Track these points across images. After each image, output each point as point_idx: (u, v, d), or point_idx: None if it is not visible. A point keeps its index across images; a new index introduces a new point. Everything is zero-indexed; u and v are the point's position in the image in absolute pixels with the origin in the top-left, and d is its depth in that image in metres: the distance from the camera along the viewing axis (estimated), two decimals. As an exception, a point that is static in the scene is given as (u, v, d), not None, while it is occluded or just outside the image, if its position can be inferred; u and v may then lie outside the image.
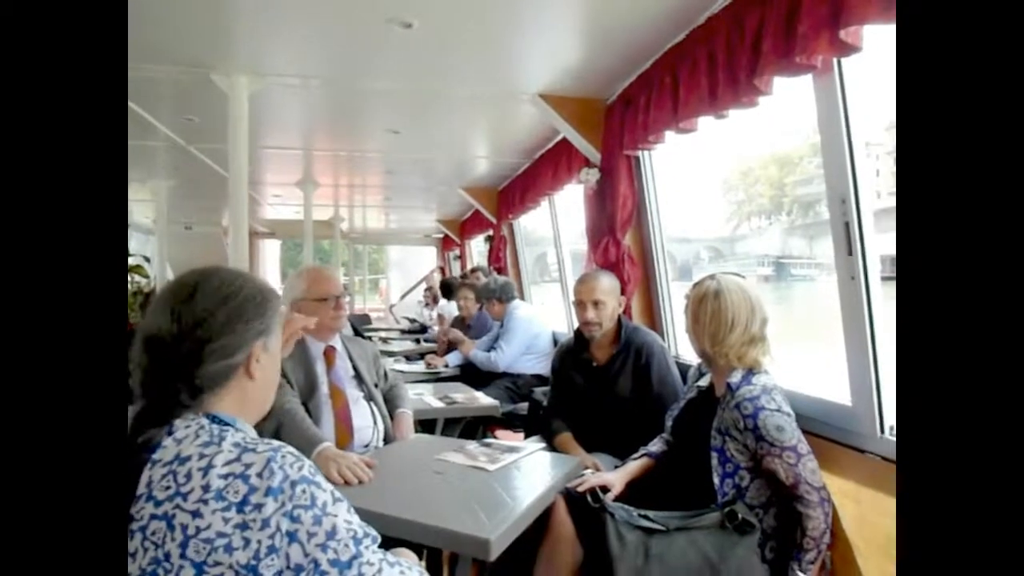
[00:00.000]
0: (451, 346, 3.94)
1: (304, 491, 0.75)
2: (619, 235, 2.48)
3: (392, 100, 2.84)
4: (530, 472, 1.70)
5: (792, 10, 1.37)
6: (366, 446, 1.92)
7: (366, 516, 1.36)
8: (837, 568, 1.51)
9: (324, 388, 1.93)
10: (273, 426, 1.68)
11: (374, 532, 0.85)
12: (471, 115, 3.10)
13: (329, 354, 2.00)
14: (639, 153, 2.43)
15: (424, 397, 2.69)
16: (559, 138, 3.03)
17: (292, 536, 0.73)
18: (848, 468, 1.52)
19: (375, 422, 1.97)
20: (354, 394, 1.98)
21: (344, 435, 1.89)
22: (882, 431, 1.48)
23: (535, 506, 1.48)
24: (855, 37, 1.26)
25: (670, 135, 2.10)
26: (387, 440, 1.98)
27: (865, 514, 1.47)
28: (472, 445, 1.89)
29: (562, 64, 2.26)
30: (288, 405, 1.75)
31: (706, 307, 1.59)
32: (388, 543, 1.42)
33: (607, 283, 2.20)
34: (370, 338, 5.53)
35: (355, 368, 2.04)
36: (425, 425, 2.75)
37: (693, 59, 1.80)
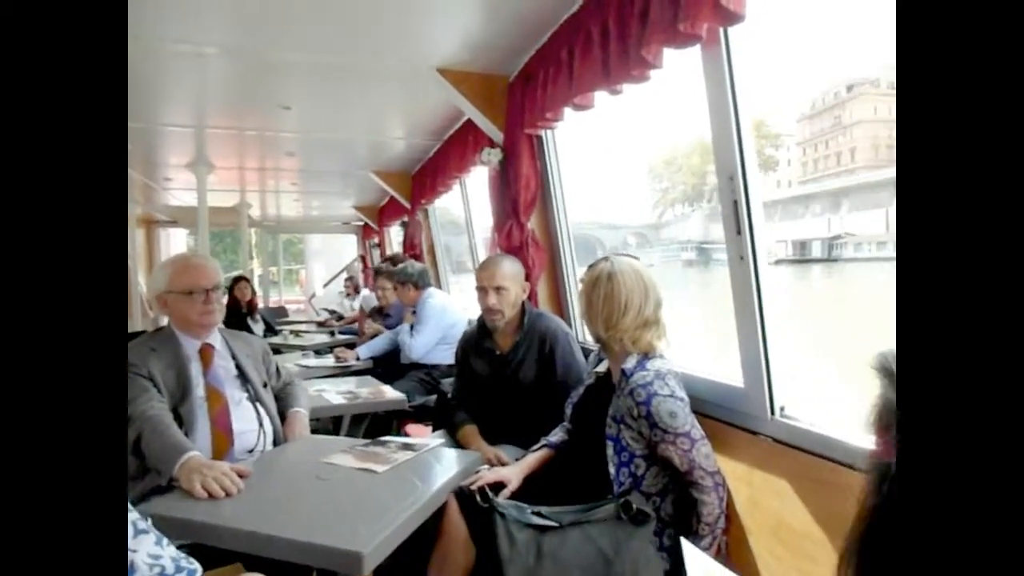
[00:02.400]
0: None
1: None
2: (523, 218, 2.40)
3: (293, 73, 2.64)
4: (424, 472, 1.59)
5: (677, -24, 1.31)
6: (250, 451, 1.76)
7: (223, 534, 1.25)
8: (731, 551, 1.50)
9: (199, 391, 1.74)
10: (133, 436, 1.50)
11: (192, 565, 0.73)
12: (375, 92, 2.93)
13: (206, 353, 1.81)
14: (541, 132, 2.35)
15: (324, 394, 2.54)
16: (465, 118, 2.91)
17: None
18: (742, 450, 1.51)
19: (261, 425, 1.81)
20: (236, 395, 1.81)
21: (222, 441, 1.72)
22: (772, 413, 1.47)
23: (424, 508, 1.38)
24: (737, 4, 1.22)
25: (571, 114, 2.03)
26: (277, 444, 1.82)
27: (757, 496, 1.46)
28: (365, 445, 1.77)
29: (460, 37, 2.14)
30: (150, 412, 1.56)
31: (599, 290, 1.54)
32: (250, 565, 1.30)
33: (509, 268, 2.12)
34: (281, 331, 5.28)
35: (239, 367, 1.86)
36: (334, 423, 2.61)
37: (587, 31, 1.72)
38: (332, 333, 5.20)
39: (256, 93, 3.01)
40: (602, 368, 1.68)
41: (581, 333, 2.44)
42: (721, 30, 1.39)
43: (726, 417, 1.58)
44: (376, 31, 2.12)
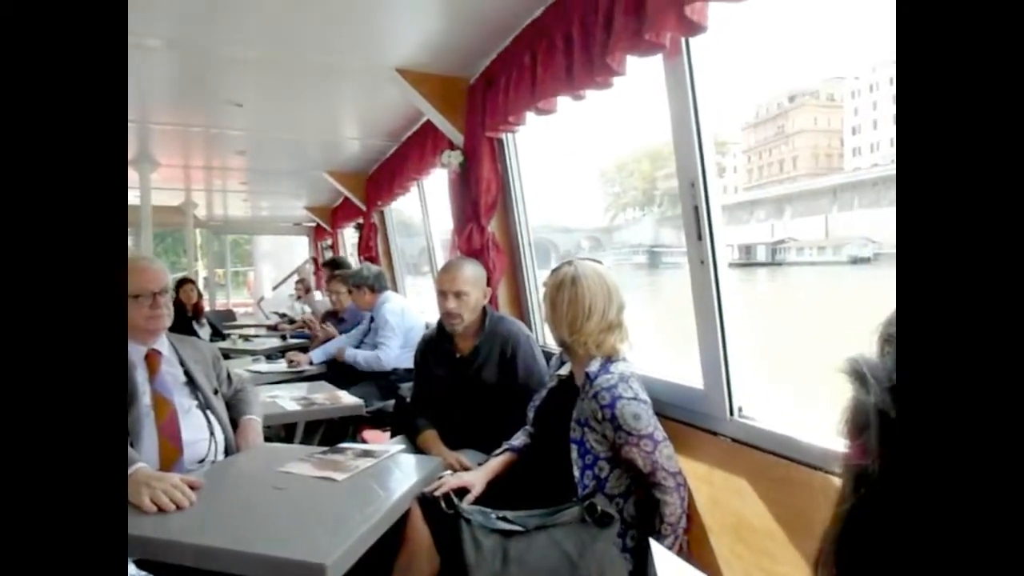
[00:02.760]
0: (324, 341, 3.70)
1: None
2: (483, 221, 2.39)
3: (246, 69, 2.55)
4: (385, 478, 1.56)
5: (642, -14, 1.33)
6: (201, 462, 1.68)
7: (175, 549, 1.19)
8: (693, 550, 1.53)
9: (146, 399, 1.66)
10: None
11: None
12: (332, 91, 2.86)
13: (152, 359, 1.72)
14: (502, 136, 2.35)
15: (279, 400, 2.46)
16: (424, 119, 2.87)
17: None
18: (702, 451, 1.54)
19: (212, 433, 1.73)
20: (185, 403, 1.73)
21: (171, 451, 1.64)
22: (731, 413, 1.51)
23: (387, 517, 1.35)
24: (700, 15, 1.25)
25: (533, 118, 2.04)
26: (229, 453, 1.75)
27: (717, 495, 1.49)
28: (323, 452, 1.72)
29: (420, 37, 2.12)
30: None
31: (563, 294, 1.54)
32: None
33: (471, 272, 2.10)
34: (229, 336, 5.09)
35: (187, 373, 1.78)
36: (288, 430, 2.53)
37: (550, 36, 1.73)
38: (284, 337, 5.05)
39: (205, 89, 2.89)
40: (564, 371, 1.69)
41: (542, 336, 2.44)
42: (683, 40, 1.42)
43: (687, 418, 1.61)
44: (334, 28, 2.07)
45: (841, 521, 0.44)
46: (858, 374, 0.41)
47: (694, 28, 1.26)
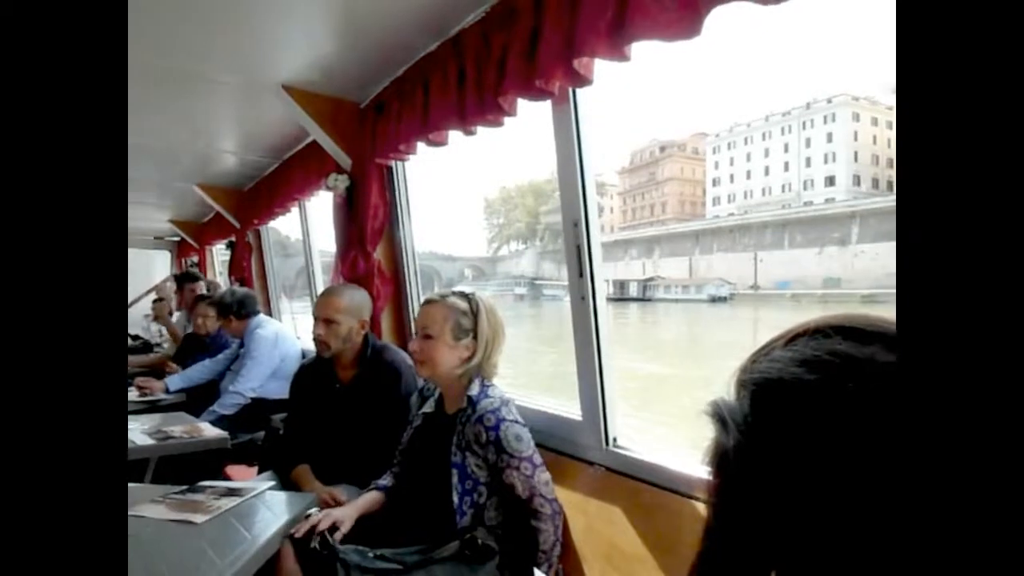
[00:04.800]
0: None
1: None
2: (369, 247, 2.34)
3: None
4: (252, 519, 1.45)
5: (534, 36, 1.40)
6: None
7: None
8: (567, 579, 1.56)
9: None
10: None
11: None
12: (208, 100, 2.67)
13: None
14: (391, 163, 2.33)
15: (131, 433, 2.21)
16: (310, 139, 2.78)
17: None
18: (578, 480, 1.59)
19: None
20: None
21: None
22: (607, 443, 1.58)
23: (254, 561, 1.26)
24: (587, 69, 1.33)
25: (423, 147, 2.05)
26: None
27: (592, 523, 1.54)
28: (180, 492, 1.57)
29: (310, 56, 2.06)
30: None
31: (496, 319, 1.60)
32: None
33: (346, 300, 2.04)
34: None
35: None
36: (136, 468, 2.25)
37: (444, 71, 1.76)
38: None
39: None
40: (429, 407, 1.68)
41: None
42: (571, 89, 1.51)
43: (565, 448, 1.66)
44: (212, 38, 1.95)
45: (704, 546, 0.48)
46: (719, 416, 0.46)
47: (581, 80, 1.34)
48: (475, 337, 1.57)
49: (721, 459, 0.46)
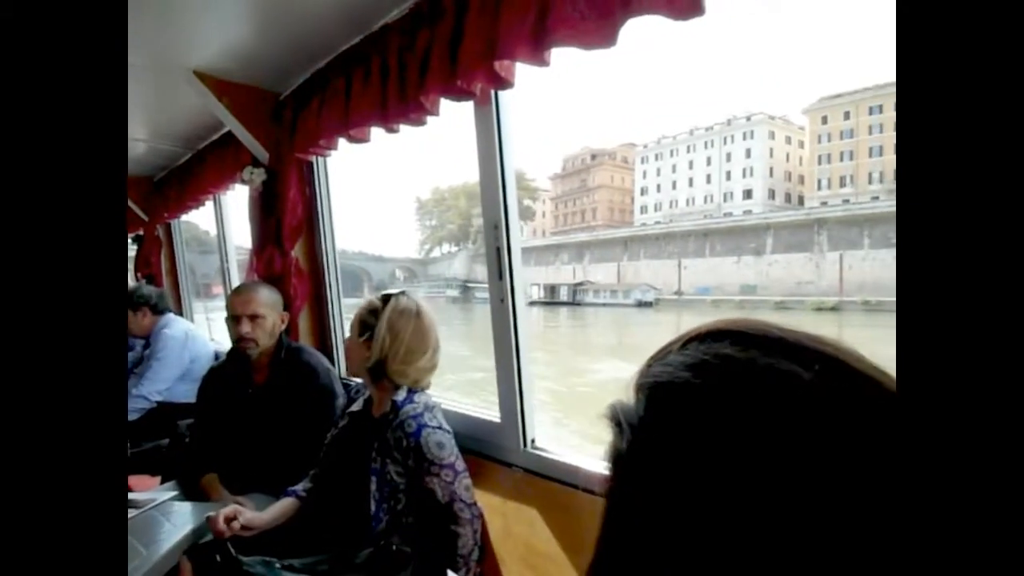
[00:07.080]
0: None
1: None
2: (287, 245, 2.25)
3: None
4: (149, 532, 1.37)
5: (456, 36, 1.39)
6: None
7: None
8: (484, 582, 1.55)
9: None
10: None
11: None
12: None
13: None
14: (312, 158, 2.25)
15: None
16: (226, 129, 2.64)
17: None
18: (496, 482, 1.59)
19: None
20: None
21: None
22: (525, 444, 1.58)
23: (147, 577, 1.18)
24: (508, 72, 1.34)
25: (345, 144, 1.99)
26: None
27: (509, 525, 1.54)
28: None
29: (223, 43, 1.95)
30: None
31: (408, 323, 1.50)
32: None
33: (267, 295, 1.97)
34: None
35: None
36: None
37: (367, 66, 1.72)
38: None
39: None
40: (357, 407, 1.63)
41: (343, 369, 2.34)
42: (492, 91, 1.51)
43: (483, 450, 1.65)
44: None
45: (598, 548, 0.49)
46: (615, 419, 0.47)
47: (502, 83, 1.35)
48: (371, 337, 1.50)
49: (615, 461, 0.46)
